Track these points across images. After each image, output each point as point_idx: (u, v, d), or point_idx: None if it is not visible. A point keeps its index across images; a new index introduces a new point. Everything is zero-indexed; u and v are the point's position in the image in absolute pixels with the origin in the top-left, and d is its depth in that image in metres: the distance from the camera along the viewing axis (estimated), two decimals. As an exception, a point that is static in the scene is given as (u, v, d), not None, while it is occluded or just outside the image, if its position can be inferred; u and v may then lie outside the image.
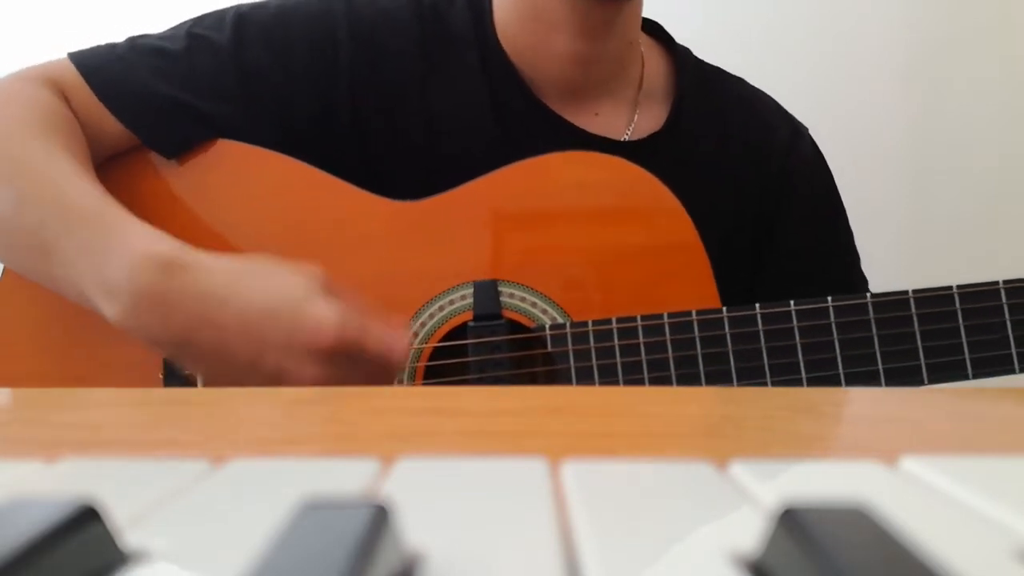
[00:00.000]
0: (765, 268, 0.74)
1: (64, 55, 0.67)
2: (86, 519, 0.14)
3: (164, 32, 0.69)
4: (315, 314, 0.49)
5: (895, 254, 1.17)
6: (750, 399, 0.31)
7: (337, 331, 0.49)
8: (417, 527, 0.16)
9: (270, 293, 0.51)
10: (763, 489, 0.19)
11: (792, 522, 0.14)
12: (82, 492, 0.15)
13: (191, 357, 0.53)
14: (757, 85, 0.80)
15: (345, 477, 0.20)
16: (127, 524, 0.16)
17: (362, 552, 0.13)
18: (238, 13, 0.68)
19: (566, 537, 0.16)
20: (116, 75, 0.65)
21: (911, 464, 0.21)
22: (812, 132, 0.79)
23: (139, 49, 0.67)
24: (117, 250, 0.53)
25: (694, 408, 0.31)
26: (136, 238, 0.54)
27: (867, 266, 0.78)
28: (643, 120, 0.73)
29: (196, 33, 0.67)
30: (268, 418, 0.28)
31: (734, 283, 0.66)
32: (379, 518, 0.14)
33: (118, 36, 0.69)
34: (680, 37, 0.79)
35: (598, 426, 0.27)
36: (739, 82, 0.78)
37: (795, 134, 0.77)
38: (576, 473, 0.20)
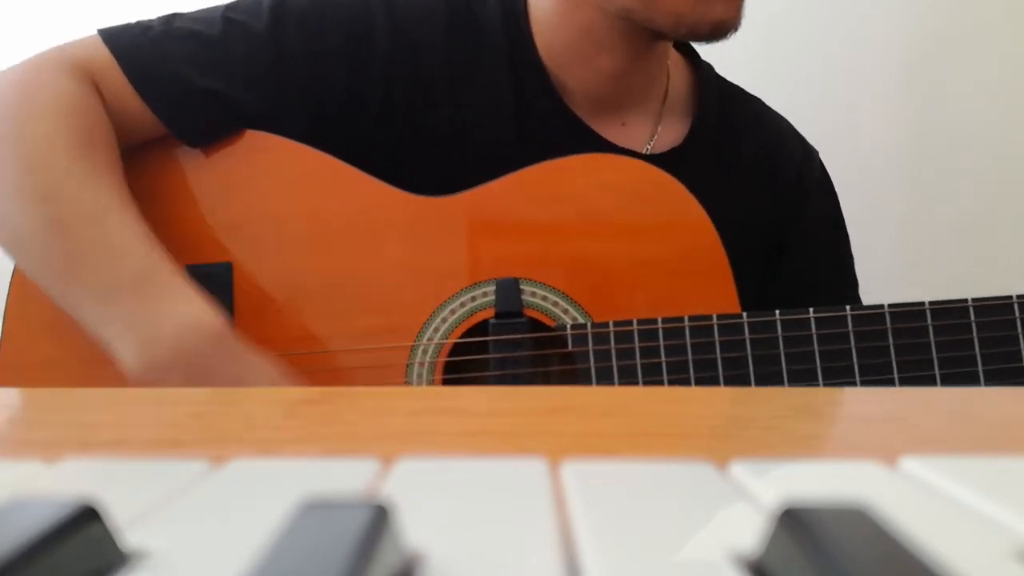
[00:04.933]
0: (771, 286, 0.75)
1: (93, 32, 0.65)
2: (86, 519, 0.14)
3: (198, 13, 0.68)
4: None
5: (895, 254, 1.17)
6: (750, 399, 0.31)
7: None
8: (417, 527, 0.16)
9: None
10: (763, 489, 0.19)
11: (792, 522, 0.14)
12: (82, 492, 0.15)
13: None
14: (757, 85, 0.80)
15: (345, 477, 0.20)
16: (127, 524, 0.16)
17: (362, 552, 0.13)
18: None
19: (566, 537, 0.16)
20: (150, 61, 0.64)
21: (911, 464, 0.21)
22: (812, 132, 0.79)
23: (174, 33, 0.65)
24: (163, 307, 0.54)
25: (694, 408, 0.31)
26: (187, 302, 0.55)
27: (867, 266, 0.79)
28: (665, 133, 0.73)
29: (232, 18, 0.66)
30: (268, 418, 0.28)
31: (744, 298, 0.67)
32: (379, 518, 0.14)
33: (136, 16, 0.68)
34: (680, 37, 0.79)
35: (598, 426, 0.27)
36: (757, 102, 0.79)
37: (807, 156, 0.78)
38: (576, 473, 0.20)
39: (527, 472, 0.20)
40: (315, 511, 0.14)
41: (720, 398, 0.34)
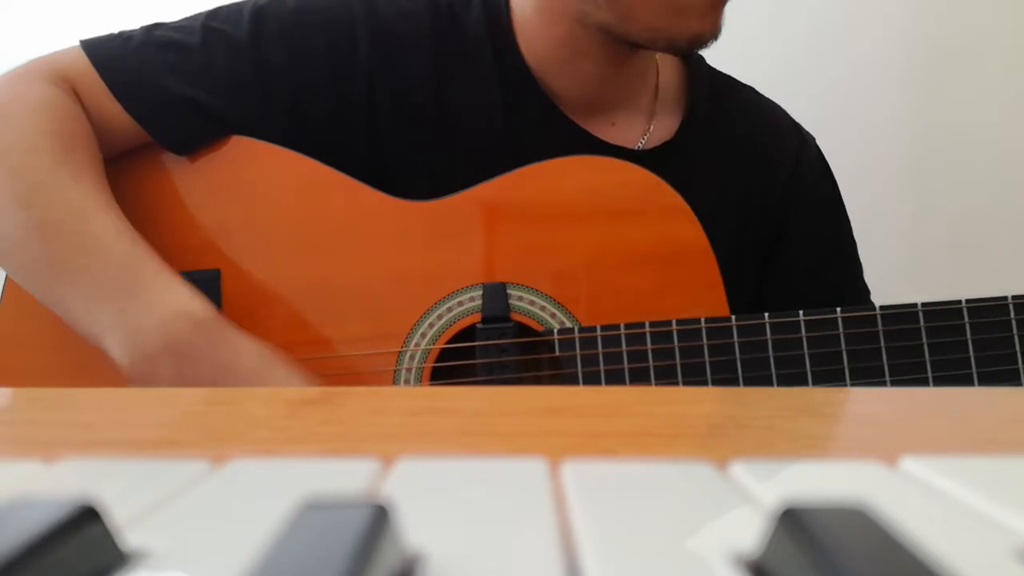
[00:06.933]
0: (771, 275, 0.74)
1: (75, 42, 0.65)
2: (86, 519, 0.14)
3: (179, 22, 0.68)
4: None
5: (896, 254, 1.17)
6: (750, 399, 0.31)
7: None
8: (417, 527, 0.16)
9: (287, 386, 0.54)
10: (763, 489, 0.19)
11: (792, 522, 0.14)
12: (82, 492, 0.15)
13: None
14: (759, 85, 0.80)
15: (345, 477, 0.20)
16: (127, 524, 0.16)
17: (362, 552, 0.13)
18: (256, 8, 0.67)
19: (566, 537, 0.16)
20: (130, 70, 0.64)
21: (911, 464, 0.21)
22: (814, 132, 0.79)
23: (154, 42, 0.65)
24: (149, 298, 0.54)
25: (694, 408, 0.31)
26: (173, 292, 0.55)
27: (868, 266, 0.78)
28: (658, 128, 0.73)
29: (212, 27, 0.66)
30: (268, 418, 0.28)
31: (741, 290, 0.66)
32: (379, 518, 0.14)
33: (130, 21, 0.68)
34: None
35: (598, 426, 0.27)
36: (749, 91, 0.79)
37: (803, 143, 0.77)
38: (576, 473, 0.20)
39: (527, 472, 0.20)
40: (315, 511, 0.14)
41: (719, 398, 0.34)
